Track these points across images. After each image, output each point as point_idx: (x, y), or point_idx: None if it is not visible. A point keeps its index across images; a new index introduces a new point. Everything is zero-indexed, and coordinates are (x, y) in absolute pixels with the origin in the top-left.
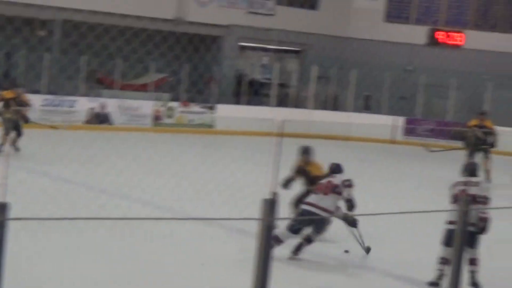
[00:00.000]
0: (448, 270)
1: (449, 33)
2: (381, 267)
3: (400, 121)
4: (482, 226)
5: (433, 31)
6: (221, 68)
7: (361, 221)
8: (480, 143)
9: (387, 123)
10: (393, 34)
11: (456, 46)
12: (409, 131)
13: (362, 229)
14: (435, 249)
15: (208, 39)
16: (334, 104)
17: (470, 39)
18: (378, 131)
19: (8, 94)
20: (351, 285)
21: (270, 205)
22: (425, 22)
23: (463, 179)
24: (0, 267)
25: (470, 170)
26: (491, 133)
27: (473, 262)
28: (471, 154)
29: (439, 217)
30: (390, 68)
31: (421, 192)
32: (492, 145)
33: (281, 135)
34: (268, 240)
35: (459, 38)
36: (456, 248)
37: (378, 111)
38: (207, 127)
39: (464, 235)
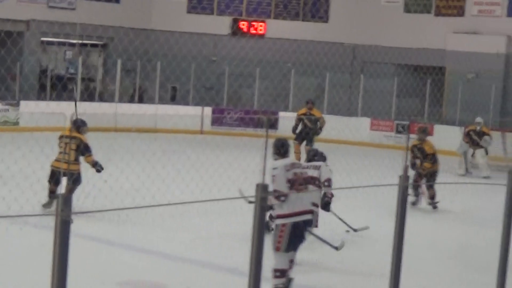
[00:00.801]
0: None
1: (252, 23)
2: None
3: (207, 111)
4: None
5: (236, 21)
6: (24, 64)
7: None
8: (309, 131)
9: (195, 114)
10: (197, 25)
11: (259, 36)
12: (217, 121)
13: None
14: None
15: (10, 35)
16: (140, 96)
17: (272, 28)
18: (186, 122)
19: None
20: None
21: None
22: (228, 12)
23: (289, 162)
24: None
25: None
26: (319, 121)
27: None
28: (301, 142)
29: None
30: (195, 59)
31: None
32: (318, 132)
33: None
34: None
35: (261, 27)
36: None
37: (185, 102)
38: (12, 125)
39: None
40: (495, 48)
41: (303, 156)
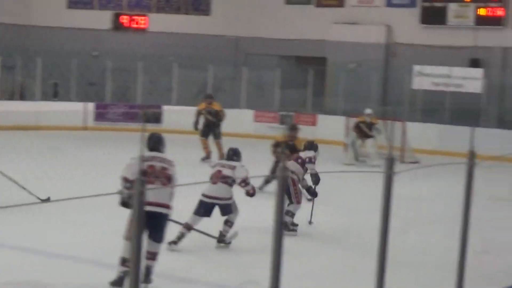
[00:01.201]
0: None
1: (133, 17)
2: None
3: (90, 107)
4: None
5: (117, 15)
6: None
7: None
8: (212, 125)
9: (78, 110)
10: (78, 20)
11: (141, 30)
12: (100, 116)
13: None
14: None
15: None
16: (21, 93)
17: (153, 22)
18: (69, 119)
19: None
20: None
21: None
22: (109, 7)
23: (222, 161)
24: None
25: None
26: (219, 113)
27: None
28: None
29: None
30: (77, 54)
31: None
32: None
33: None
34: None
35: (142, 21)
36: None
37: (67, 98)
38: None
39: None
40: (375, 38)
41: (214, 150)
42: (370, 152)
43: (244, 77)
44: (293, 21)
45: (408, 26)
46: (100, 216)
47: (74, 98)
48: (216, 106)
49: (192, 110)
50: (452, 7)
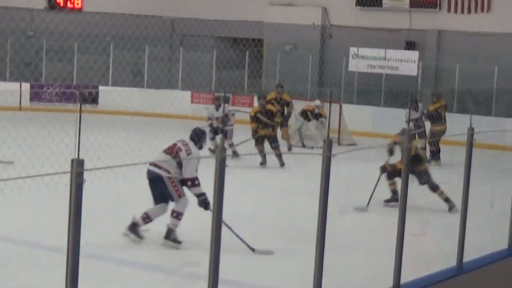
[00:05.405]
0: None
1: None
2: None
3: (25, 87)
4: None
5: None
6: None
7: None
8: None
9: (13, 90)
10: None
11: (77, 10)
12: (36, 96)
13: None
14: None
15: None
16: None
17: (89, 2)
18: (4, 99)
19: None
20: None
21: None
22: None
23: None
24: None
25: None
26: (289, 104)
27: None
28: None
29: None
30: (11, 33)
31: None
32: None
33: None
34: None
35: (78, 1)
36: None
37: (2, 78)
38: None
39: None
40: (311, 20)
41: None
42: (314, 133)
43: (181, 57)
44: (230, 2)
45: (343, 8)
46: (36, 197)
47: (8, 78)
48: (286, 97)
49: (126, 90)
50: None
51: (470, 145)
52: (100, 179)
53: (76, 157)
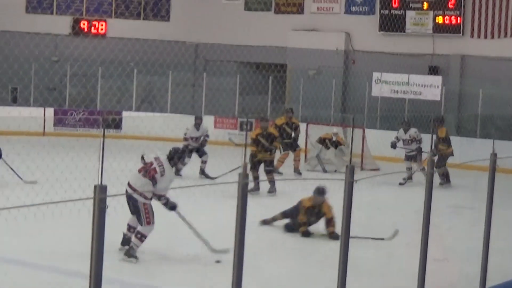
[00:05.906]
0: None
1: (93, 22)
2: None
3: (49, 112)
4: None
5: (77, 21)
6: None
7: None
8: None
9: (37, 115)
10: (37, 25)
11: (100, 35)
12: (60, 122)
13: None
14: None
15: None
16: None
17: (113, 27)
18: (28, 124)
19: None
20: None
21: None
22: (68, 12)
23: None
24: None
25: None
26: (298, 128)
27: None
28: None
29: None
30: (36, 59)
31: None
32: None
33: None
34: None
35: (102, 27)
36: None
37: (26, 103)
38: None
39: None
40: (334, 45)
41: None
42: (332, 159)
43: (204, 83)
44: (253, 28)
45: (367, 33)
46: (59, 223)
47: (33, 104)
48: (295, 120)
49: (150, 116)
50: (411, 15)
51: (493, 170)
52: (122, 205)
53: (99, 182)
